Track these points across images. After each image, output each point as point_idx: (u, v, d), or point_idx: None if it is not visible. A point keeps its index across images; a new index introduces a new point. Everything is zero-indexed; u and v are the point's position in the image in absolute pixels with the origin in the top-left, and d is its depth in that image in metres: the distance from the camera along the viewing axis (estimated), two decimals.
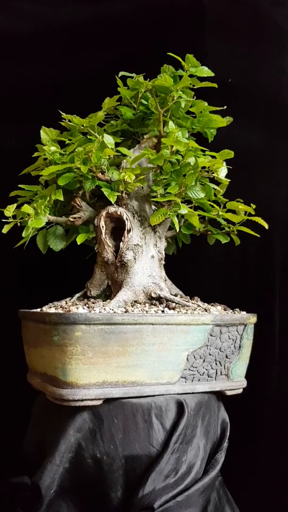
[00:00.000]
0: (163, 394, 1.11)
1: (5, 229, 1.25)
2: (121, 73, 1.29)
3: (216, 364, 1.17)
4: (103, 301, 1.26)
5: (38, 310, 1.22)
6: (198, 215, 1.28)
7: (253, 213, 1.30)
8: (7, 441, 1.48)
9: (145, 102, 1.36)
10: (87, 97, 1.40)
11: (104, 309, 1.13)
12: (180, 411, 1.10)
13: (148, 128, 1.37)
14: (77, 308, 1.11)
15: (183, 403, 1.11)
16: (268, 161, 1.56)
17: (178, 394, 1.12)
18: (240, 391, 1.22)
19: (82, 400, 1.05)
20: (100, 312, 1.11)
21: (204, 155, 1.26)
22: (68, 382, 1.05)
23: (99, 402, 1.07)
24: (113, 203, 1.23)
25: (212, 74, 1.24)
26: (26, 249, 1.30)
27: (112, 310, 1.13)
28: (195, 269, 1.54)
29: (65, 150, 1.26)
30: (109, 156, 1.24)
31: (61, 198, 1.25)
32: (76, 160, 1.22)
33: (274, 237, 1.50)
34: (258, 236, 1.32)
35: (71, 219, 1.29)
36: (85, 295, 1.32)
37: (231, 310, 1.27)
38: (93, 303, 1.18)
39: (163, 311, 1.15)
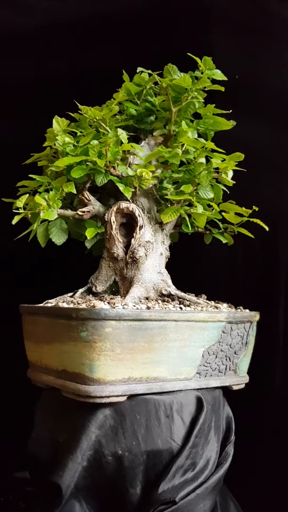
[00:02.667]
0: (181, 390, 1.13)
1: (15, 220, 1.21)
2: (139, 69, 1.29)
3: (226, 360, 1.21)
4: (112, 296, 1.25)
5: (51, 305, 1.19)
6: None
7: (246, 215, 1.34)
8: (8, 438, 1.43)
9: (151, 99, 1.36)
10: (91, 91, 1.38)
11: (127, 305, 1.12)
12: (199, 406, 1.13)
13: (153, 126, 1.37)
14: (98, 304, 1.09)
15: (202, 398, 1.13)
16: (275, 159, 1.56)
17: (194, 389, 1.14)
18: (243, 386, 1.27)
19: (108, 396, 1.04)
20: (123, 308, 1.10)
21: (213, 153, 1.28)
22: (95, 379, 1.03)
23: (123, 399, 1.06)
24: (128, 198, 1.23)
25: (225, 78, 1.27)
26: (18, 244, 1.27)
27: (134, 306, 1.12)
28: (196, 266, 1.55)
29: (77, 141, 1.24)
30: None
31: (74, 191, 1.22)
32: (91, 153, 1.20)
33: (280, 235, 1.53)
34: (253, 237, 1.37)
35: (80, 213, 1.27)
36: (89, 290, 1.30)
37: (234, 308, 1.31)
38: (111, 299, 1.17)
39: (181, 308, 1.17)
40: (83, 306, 1.10)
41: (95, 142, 1.21)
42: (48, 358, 1.15)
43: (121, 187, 1.22)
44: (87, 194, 1.29)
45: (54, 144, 1.24)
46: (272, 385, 1.51)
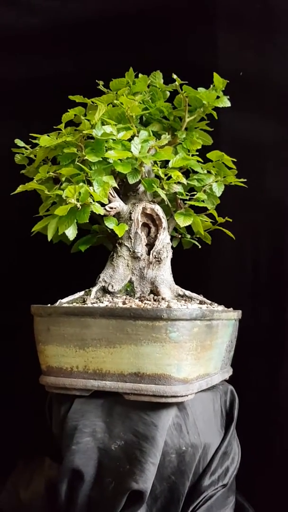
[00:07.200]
0: (217, 384, 1.22)
1: (62, 210, 1.10)
2: (175, 78, 1.30)
3: (229, 353, 1.35)
4: (128, 296, 1.25)
5: (104, 305, 1.12)
6: None
7: (208, 224, 1.48)
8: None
9: (152, 103, 1.39)
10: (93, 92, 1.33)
11: (189, 304, 1.16)
12: (232, 397, 1.24)
13: (149, 127, 1.40)
14: (173, 304, 1.10)
15: (233, 389, 1.25)
16: (280, 154, 1.55)
17: (224, 381, 1.25)
18: None
19: (187, 395, 1.07)
20: (187, 307, 1.13)
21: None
22: (181, 378, 1.05)
23: (193, 396, 1.10)
24: (165, 199, 1.25)
25: (228, 102, 1.39)
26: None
27: (194, 305, 1.17)
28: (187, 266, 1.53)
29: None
30: None
31: (115, 185, 1.18)
32: (134, 150, 1.19)
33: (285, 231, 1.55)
34: (210, 243, 1.53)
35: (108, 209, 1.22)
36: (104, 289, 1.25)
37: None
38: (162, 298, 1.17)
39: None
40: (148, 307, 1.09)
41: (138, 139, 1.20)
42: (105, 362, 1.08)
43: (154, 187, 1.23)
44: (112, 190, 1.24)
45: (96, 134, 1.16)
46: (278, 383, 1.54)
